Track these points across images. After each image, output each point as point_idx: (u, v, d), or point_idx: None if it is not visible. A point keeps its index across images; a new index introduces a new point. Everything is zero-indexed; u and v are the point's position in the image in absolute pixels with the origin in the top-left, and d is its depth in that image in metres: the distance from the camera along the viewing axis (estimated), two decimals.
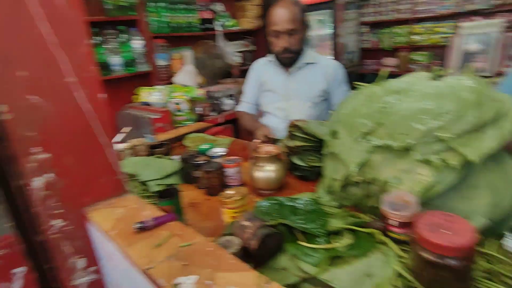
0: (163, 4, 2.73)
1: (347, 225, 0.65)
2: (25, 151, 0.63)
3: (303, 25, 1.48)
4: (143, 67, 2.66)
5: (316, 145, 0.95)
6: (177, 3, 2.84)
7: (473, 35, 1.87)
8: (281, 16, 1.41)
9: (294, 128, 0.96)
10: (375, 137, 0.70)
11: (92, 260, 0.77)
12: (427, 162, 0.62)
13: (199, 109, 2.37)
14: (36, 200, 0.66)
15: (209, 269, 0.48)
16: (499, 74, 1.88)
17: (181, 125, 2.25)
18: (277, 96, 1.61)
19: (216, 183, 0.96)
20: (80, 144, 0.70)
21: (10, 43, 0.59)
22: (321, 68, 1.58)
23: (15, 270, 0.74)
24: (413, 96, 0.68)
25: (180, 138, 1.59)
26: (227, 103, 2.58)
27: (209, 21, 3.13)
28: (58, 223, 0.70)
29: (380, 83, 0.80)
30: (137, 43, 2.56)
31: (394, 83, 0.75)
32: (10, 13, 0.58)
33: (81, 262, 0.76)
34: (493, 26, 1.85)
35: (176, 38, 2.94)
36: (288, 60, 1.52)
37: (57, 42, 0.63)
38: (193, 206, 0.94)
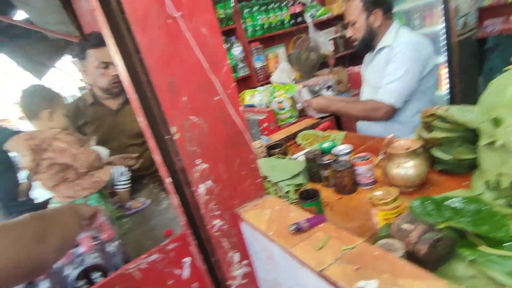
0: (256, 8, 2.84)
1: None
2: (191, 163, 0.75)
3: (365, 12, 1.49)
4: (242, 72, 2.83)
5: (463, 135, 0.83)
6: (270, 3, 2.91)
7: None
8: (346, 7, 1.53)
9: (432, 117, 0.86)
10: None
11: (245, 255, 0.86)
12: None
13: (299, 105, 2.38)
14: (202, 204, 0.77)
15: (386, 274, 0.47)
16: None
17: (284, 123, 2.31)
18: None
19: (347, 182, 0.94)
20: (229, 152, 0.79)
21: (176, 73, 0.70)
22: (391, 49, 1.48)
23: (184, 260, 0.89)
24: None
25: (292, 137, 1.63)
26: (327, 94, 2.51)
27: (299, 14, 3.10)
28: (217, 222, 0.81)
29: None
30: (237, 50, 2.73)
31: None
32: (174, 46, 0.68)
33: (236, 256, 0.85)
34: None
35: (269, 38, 3.02)
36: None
37: (209, 67, 0.72)
38: (327, 206, 0.94)
